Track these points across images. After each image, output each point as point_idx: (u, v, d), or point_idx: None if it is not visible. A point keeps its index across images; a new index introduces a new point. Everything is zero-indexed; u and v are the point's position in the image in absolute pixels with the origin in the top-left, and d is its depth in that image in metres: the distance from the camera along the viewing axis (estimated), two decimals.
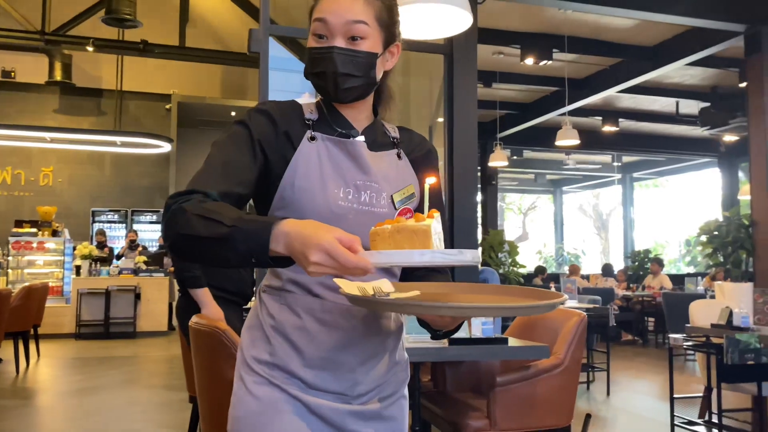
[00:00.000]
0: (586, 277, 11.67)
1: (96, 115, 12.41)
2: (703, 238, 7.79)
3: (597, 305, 6.72)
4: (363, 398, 1.16)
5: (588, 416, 0.67)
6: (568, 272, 11.58)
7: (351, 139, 1.19)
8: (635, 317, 9.51)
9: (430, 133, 5.82)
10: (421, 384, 3.05)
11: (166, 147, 11.79)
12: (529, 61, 7.42)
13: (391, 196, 1.19)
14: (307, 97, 1.28)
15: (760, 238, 6.63)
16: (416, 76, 6.26)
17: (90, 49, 9.58)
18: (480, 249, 8.85)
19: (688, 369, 7.08)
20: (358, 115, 1.22)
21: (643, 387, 6.29)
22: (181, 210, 0.99)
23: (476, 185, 5.40)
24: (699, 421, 4.21)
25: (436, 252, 0.91)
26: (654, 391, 5.99)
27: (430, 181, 1.06)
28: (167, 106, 12.53)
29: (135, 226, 12.00)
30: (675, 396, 4.11)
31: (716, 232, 7.44)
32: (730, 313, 3.87)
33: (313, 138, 1.16)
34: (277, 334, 1.14)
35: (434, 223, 0.95)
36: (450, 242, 5.48)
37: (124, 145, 11.70)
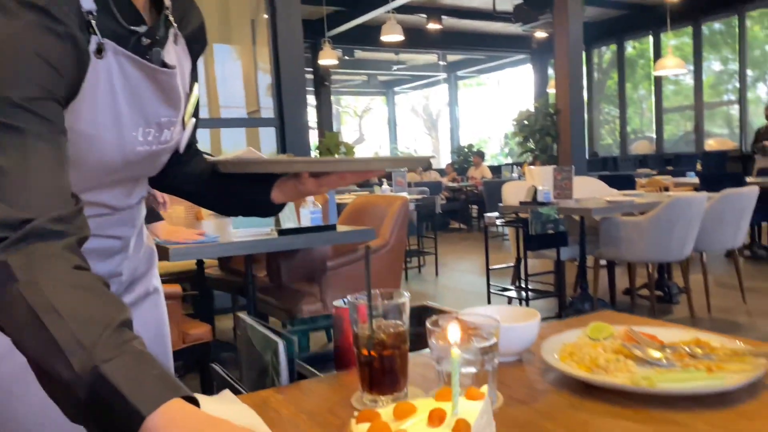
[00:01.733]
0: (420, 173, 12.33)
1: None
2: (517, 128, 8.50)
3: (425, 196, 7.16)
4: (125, 291, 1.00)
5: (367, 248, 0.72)
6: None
7: (166, 68, 0.86)
8: (460, 206, 10.31)
9: (252, 28, 5.58)
10: (256, 278, 3.10)
11: None
12: None
13: (182, 115, 0.94)
14: None
15: (562, 125, 7.38)
16: None
17: None
18: (318, 152, 8.90)
19: (505, 248, 7.89)
20: None
21: (466, 266, 6.94)
22: (7, 273, 0.58)
23: (305, 83, 5.34)
24: (511, 287, 4.78)
25: None
26: (475, 268, 6.63)
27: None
28: None
29: None
30: (490, 268, 4.60)
31: (526, 122, 8.15)
32: (535, 191, 4.33)
33: (100, 51, 0.77)
34: None
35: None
36: (282, 146, 5.39)
37: None
